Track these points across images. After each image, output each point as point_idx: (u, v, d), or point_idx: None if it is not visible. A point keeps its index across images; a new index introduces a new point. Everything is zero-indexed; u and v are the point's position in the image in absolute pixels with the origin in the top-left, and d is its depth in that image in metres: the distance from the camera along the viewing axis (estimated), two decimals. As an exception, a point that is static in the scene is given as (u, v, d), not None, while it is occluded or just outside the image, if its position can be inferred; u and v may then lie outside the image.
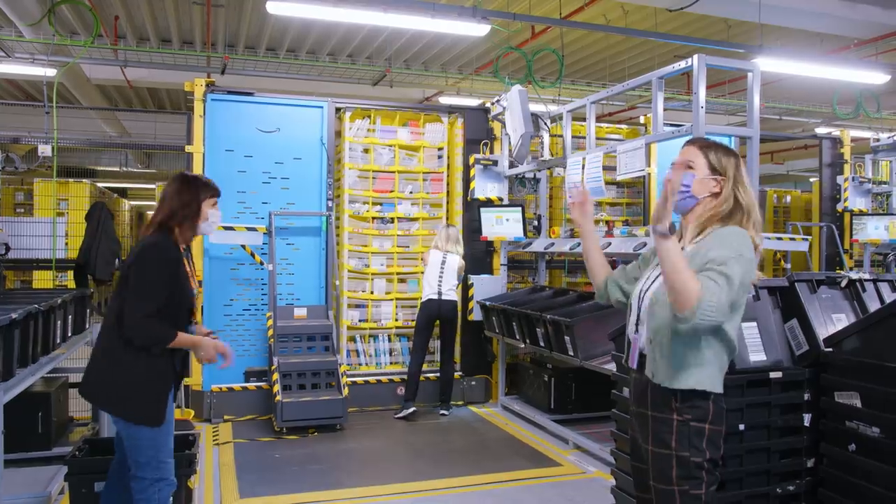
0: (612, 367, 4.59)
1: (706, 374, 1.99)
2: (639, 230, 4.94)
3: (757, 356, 2.68)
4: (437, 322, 6.15)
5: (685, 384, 1.99)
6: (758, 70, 4.15)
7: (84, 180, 12.97)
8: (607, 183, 7.63)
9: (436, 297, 6.04)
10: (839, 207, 8.40)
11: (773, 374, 2.61)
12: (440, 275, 6.09)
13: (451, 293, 6.10)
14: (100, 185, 16.32)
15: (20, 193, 14.52)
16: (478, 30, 6.30)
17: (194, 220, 2.96)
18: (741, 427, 2.60)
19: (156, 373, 2.83)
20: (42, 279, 8.21)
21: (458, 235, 6.27)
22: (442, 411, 6.17)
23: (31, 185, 13.11)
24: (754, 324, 2.72)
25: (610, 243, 5.01)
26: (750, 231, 2.07)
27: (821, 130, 11.42)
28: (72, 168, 14.68)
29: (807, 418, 2.58)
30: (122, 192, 21.33)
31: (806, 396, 2.58)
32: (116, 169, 16.19)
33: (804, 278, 2.87)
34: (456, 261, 6.12)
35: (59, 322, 4.39)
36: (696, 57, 4.03)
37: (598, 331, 4.84)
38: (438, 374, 6.29)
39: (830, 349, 2.56)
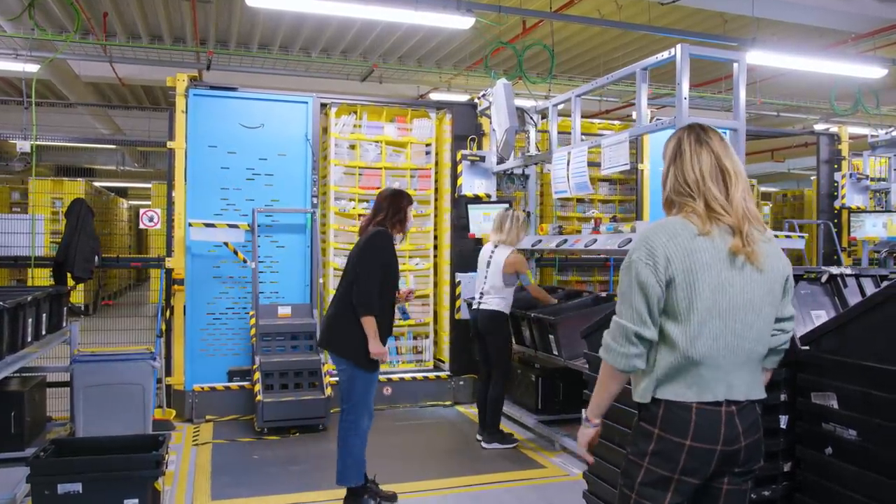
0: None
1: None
2: (625, 226, 4.83)
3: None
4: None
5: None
6: (744, 61, 4.04)
7: (79, 179, 12.96)
8: (600, 179, 7.58)
9: (475, 305, 5.19)
10: (837, 205, 8.26)
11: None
12: (484, 277, 5.15)
13: (490, 300, 5.07)
14: (97, 184, 16.33)
15: (16, 192, 14.52)
16: (462, 22, 6.18)
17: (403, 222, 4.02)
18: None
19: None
20: (39, 278, 8.16)
21: (508, 220, 5.14)
22: (477, 436, 5.27)
23: (26, 184, 13.10)
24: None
25: (596, 240, 4.90)
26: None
27: (819, 127, 11.27)
28: (69, 167, 14.72)
29: (783, 420, 2.46)
30: (123, 192, 21.35)
31: (782, 397, 2.46)
32: (113, 168, 16.17)
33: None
34: (504, 255, 5.04)
35: (30, 320, 4.31)
36: (678, 47, 3.92)
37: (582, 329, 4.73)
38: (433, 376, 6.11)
39: (807, 347, 2.44)
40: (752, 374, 1.92)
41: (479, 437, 5.24)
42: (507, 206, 5.70)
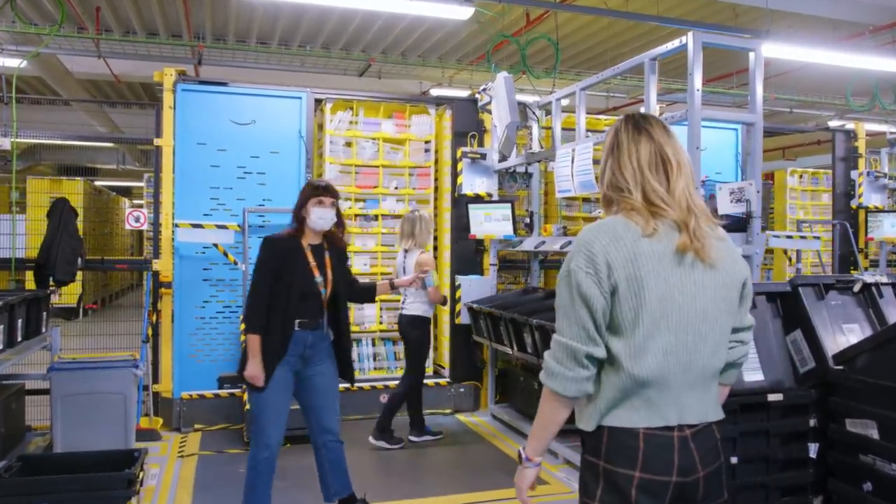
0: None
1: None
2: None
3: (753, 375, 2.28)
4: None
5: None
6: (760, 50, 3.75)
7: (77, 178, 12.78)
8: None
9: (402, 310, 5.24)
10: (853, 204, 7.94)
11: (772, 397, 2.18)
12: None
13: (412, 305, 5.11)
14: (98, 183, 16.14)
15: (15, 192, 14.34)
16: (460, 13, 5.91)
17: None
18: (734, 460, 2.19)
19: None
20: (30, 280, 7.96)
21: (413, 224, 5.15)
22: (370, 439, 5.15)
23: (24, 184, 12.94)
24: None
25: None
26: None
27: (833, 124, 10.93)
28: (71, 166, 14.55)
29: (813, 449, 2.17)
30: (127, 192, 21.16)
31: (812, 423, 2.18)
32: (114, 167, 15.98)
33: (809, 282, 2.46)
34: (414, 258, 5.08)
35: (1, 326, 4.08)
36: (690, 34, 3.64)
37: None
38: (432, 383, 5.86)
39: (841, 367, 2.15)
40: (707, 393, 1.69)
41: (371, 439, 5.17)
42: (413, 210, 5.43)
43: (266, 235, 3.48)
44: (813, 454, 2.21)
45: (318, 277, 3.43)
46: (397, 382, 5.42)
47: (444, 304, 5.66)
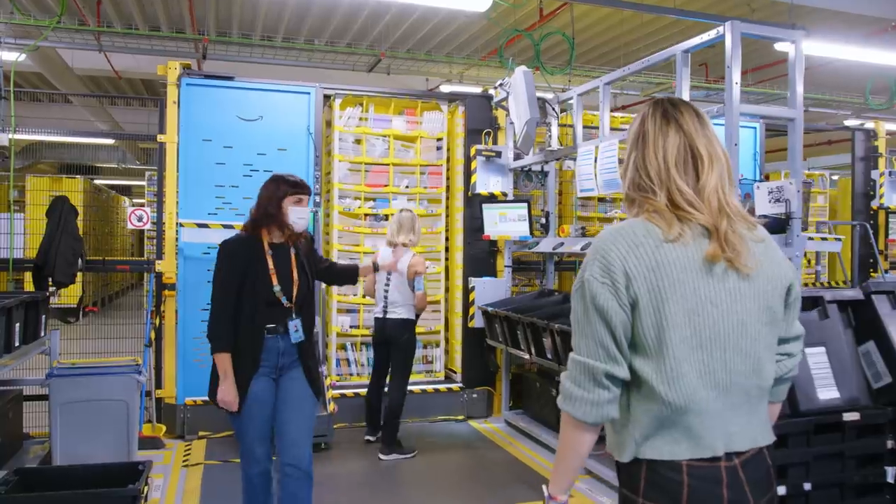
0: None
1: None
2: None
3: (827, 392, 2.07)
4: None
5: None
6: (800, 41, 3.55)
7: (78, 177, 12.59)
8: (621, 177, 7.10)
9: (381, 314, 4.98)
10: (874, 205, 7.74)
11: (847, 416, 1.98)
12: (386, 282, 4.94)
13: (400, 308, 4.92)
14: (99, 181, 15.94)
15: (15, 190, 14.15)
16: (476, 4, 5.69)
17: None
18: (807, 486, 1.99)
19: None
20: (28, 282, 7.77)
21: (412, 222, 4.97)
22: (380, 454, 4.92)
23: (24, 182, 12.75)
24: (822, 349, 2.09)
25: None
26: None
27: (850, 122, 10.72)
28: (72, 164, 14.35)
29: (891, 473, 1.98)
30: (127, 191, 20.95)
31: (889, 444, 1.98)
32: (115, 165, 15.78)
33: (884, 289, 2.26)
34: (407, 259, 4.88)
35: (-4, 331, 3.88)
36: (728, 24, 3.44)
37: (612, 343, 4.26)
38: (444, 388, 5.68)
39: (918, 383, 1.97)
40: (754, 415, 1.49)
41: (382, 456, 4.92)
42: (402, 209, 5.20)
43: (224, 240, 3.11)
44: (891, 479, 2.01)
45: (276, 286, 3.04)
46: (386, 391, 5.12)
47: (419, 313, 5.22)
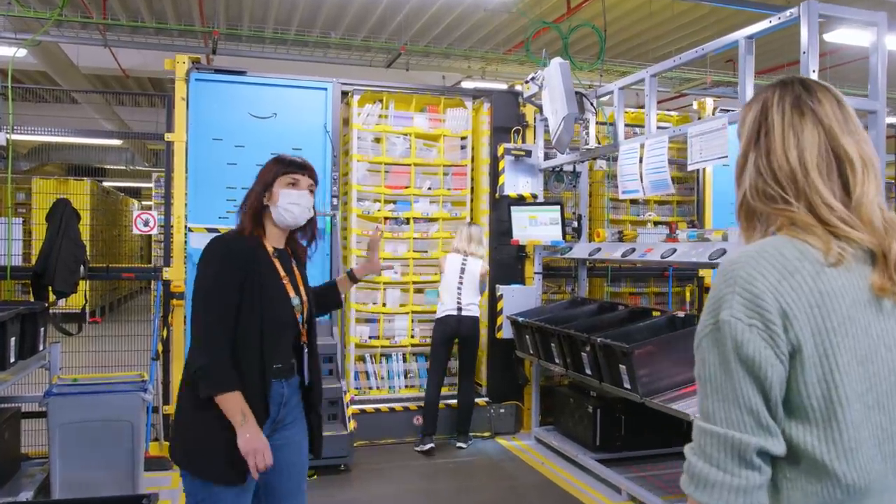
0: (683, 406, 3.64)
1: None
2: (713, 233, 3.96)
3: None
4: (456, 341, 5.29)
5: None
6: (884, 23, 3.16)
7: (85, 179, 12.32)
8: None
9: (454, 312, 5.17)
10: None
11: None
12: (459, 284, 5.20)
13: (473, 307, 5.23)
14: (107, 184, 15.67)
15: (21, 193, 13.89)
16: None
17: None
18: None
19: None
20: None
21: (481, 235, 5.41)
22: (459, 444, 5.31)
23: (30, 185, 12.49)
24: None
25: (675, 249, 4.04)
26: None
27: (891, 120, 10.26)
28: (80, 166, 14.08)
29: None
30: (136, 193, 20.69)
31: None
32: (123, 167, 15.50)
33: None
34: (478, 266, 5.24)
35: (-9, 347, 3.54)
36: (804, 5, 3.05)
37: (662, 359, 3.89)
38: (457, 401, 5.38)
39: None
40: None
41: (461, 444, 5.35)
42: (470, 222, 5.62)
43: (215, 237, 2.30)
44: None
45: (295, 298, 2.30)
46: (457, 392, 5.40)
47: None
